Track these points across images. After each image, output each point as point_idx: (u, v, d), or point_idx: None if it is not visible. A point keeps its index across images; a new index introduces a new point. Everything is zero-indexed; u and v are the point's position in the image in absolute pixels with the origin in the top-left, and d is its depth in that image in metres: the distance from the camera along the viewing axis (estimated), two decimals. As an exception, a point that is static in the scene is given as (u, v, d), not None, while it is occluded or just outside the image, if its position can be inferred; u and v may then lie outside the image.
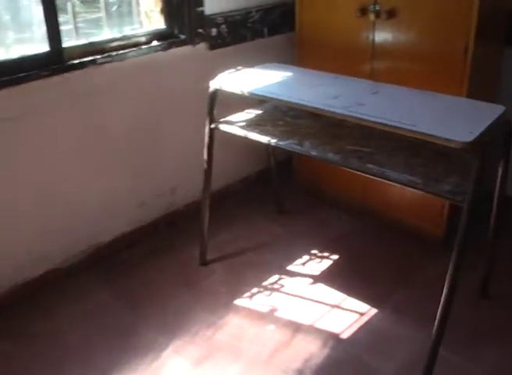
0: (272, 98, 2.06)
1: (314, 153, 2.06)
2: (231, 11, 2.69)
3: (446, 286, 1.79)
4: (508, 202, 2.36)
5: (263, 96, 2.09)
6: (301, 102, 1.98)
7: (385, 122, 1.76)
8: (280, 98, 2.03)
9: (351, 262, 2.58)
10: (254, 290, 2.40)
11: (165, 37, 2.49)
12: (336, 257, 2.62)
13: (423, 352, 1.92)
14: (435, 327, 1.83)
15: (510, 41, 2.55)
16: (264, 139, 2.17)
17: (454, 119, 1.79)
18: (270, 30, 2.90)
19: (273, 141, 2.14)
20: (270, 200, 2.97)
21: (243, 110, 2.42)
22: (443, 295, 1.79)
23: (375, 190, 2.70)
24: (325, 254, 2.65)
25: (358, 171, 1.96)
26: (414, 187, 1.84)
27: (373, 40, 2.48)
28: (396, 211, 2.68)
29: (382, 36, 2.44)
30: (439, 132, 1.69)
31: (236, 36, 2.73)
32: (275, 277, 2.49)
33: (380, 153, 2.03)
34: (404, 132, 1.74)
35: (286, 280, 2.47)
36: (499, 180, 1.98)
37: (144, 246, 2.67)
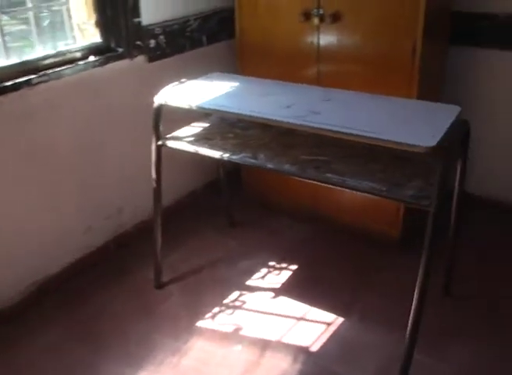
0: (223, 111, 1.97)
1: (270, 166, 1.99)
2: (168, 20, 2.58)
3: (416, 291, 1.76)
4: (467, 199, 2.36)
5: (213, 110, 1.99)
6: (254, 114, 1.90)
7: (346, 131, 1.71)
8: (231, 110, 1.94)
9: (310, 271, 2.53)
10: (216, 310, 2.30)
11: (102, 52, 2.35)
12: (294, 267, 2.56)
13: (394, 357, 1.90)
14: (407, 333, 1.80)
15: (454, 40, 2.56)
16: (216, 154, 2.08)
17: (413, 123, 1.76)
18: (209, 38, 2.81)
19: (226, 156, 2.06)
20: (221, 213, 2.88)
21: (188, 124, 2.32)
22: (414, 301, 1.76)
23: (326, 195, 2.67)
24: (283, 265, 2.58)
25: (317, 181, 1.91)
26: (378, 195, 1.80)
27: (318, 44, 2.43)
28: (350, 214, 2.65)
29: (328, 40, 2.40)
30: (402, 138, 1.66)
31: (175, 46, 2.63)
32: (235, 294, 2.40)
33: (337, 161, 1.99)
34: (367, 140, 1.70)
35: (247, 296, 2.39)
36: (458, 178, 1.98)
37: (96, 272, 2.52)
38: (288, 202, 2.86)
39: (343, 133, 1.74)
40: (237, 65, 2.73)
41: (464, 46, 2.60)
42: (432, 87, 2.46)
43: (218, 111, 1.99)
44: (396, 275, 2.46)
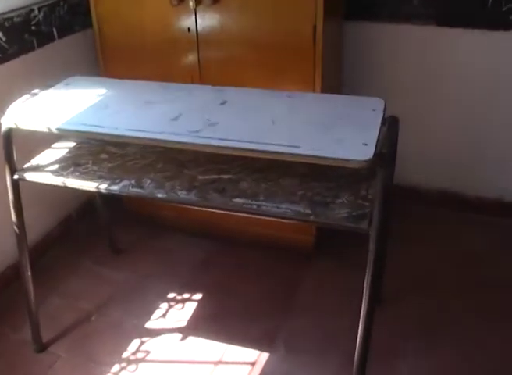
0: (94, 133, 1.49)
1: (161, 195, 1.56)
2: (6, 12, 2.00)
3: (362, 318, 1.47)
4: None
5: (81, 132, 1.50)
6: (133, 134, 1.45)
7: (259, 148, 1.33)
8: (103, 131, 1.47)
9: (219, 299, 2.15)
10: (115, 368, 1.87)
11: None
12: (198, 296, 2.18)
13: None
14: (356, 360, 1.51)
15: (348, 16, 2.25)
16: (89, 186, 1.61)
17: (336, 127, 1.41)
18: (60, 30, 2.26)
19: (103, 187, 1.59)
20: (101, 239, 2.41)
21: (49, 145, 1.80)
22: (360, 328, 1.47)
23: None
24: (185, 295, 2.18)
25: (224, 210, 1.52)
26: (304, 220, 1.46)
27: (197, 32, 2.00)
28: (256, 224, 2.28)
29: (208, 26, 1.98)
30: (328, 150, 1.30)
31: (20, 44, 2.06)
32: (135, 343, 1.97)
33: (244, 179, 1.61)
34: (287, 158, 1.32)
35: (151, 343, 1.96)
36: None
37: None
38: (181, 216, 2.43)
39: (254, 151, 1.34)
40: (99, 63, 2.21)
41: (359, 21, 2.29)
42: (335, 70, 2.18)
43: (84, 132, 1.50)
44: (317, 288, 2.17)
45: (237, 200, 1.50)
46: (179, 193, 1.55)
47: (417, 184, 2.59)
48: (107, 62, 2.21)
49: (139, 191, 1.57)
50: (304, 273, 2.26)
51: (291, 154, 1.32)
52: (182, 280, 2.24)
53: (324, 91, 1.89)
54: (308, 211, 1.44)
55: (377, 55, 2.38)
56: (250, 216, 1.52)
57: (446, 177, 2.55)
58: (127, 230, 2.53)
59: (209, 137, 1.39)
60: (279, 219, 1.49)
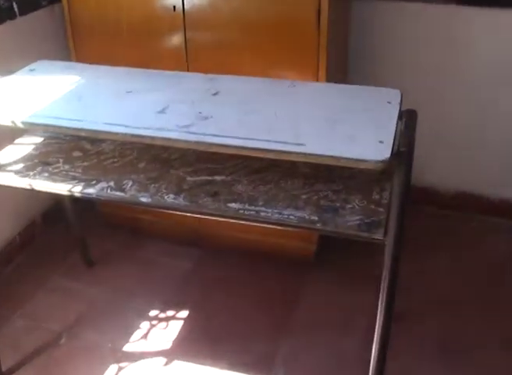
0: (67, 128, 1.47)
1: (145, 200, 1.55)
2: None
3: (376, 344, 1.47)
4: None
5: (52, 126, 1.49)
6: (114, 130, 1.43)
7: (261, 146, 1.32)
8: (79, 126, 1.46)
9: (209, 317, 2.16)
10: (89, 399, 1.84)
11: None
12: (184, 313, 2.18)
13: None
14: None
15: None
16: (62, 189, 1.60)
17: (346, 122, 1.41)
18: (22, 5, 2.24)
19: (78, 191, 1.58)
20: (71, 249, 2.41)
21: (11, 140, 1.78)
22: (374, 357, 1.48)
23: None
24: (169, 312, 2.18)
25: (219, 217, 1.52)
26: (311, 228, 1.47)
27: (183, 10, 1.99)
28: (251, 232, 2.29)
29: (196, 4, 1.97)
30: (340, 149, 1.29)
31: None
32: (112, 369, 1.98)
33: (240, 181, 1.60)
34: (293, 157, 1.31)
35: (129, 369, 1.97)
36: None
37: None
38: (165, 221, 2.43)
39: (254, 149, 1.33)
40: (70, 45, 2.20)
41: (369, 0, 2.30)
42: (341, 57, 2.19)
43: (58, 128, 1.48)
44: (319, 304, 2.19)
45: (232, 205, 1.50)
46: (165, 197, 1.54)
47: (430, 185, 2.61)
48: (78, 43, 2.20)
49: (119, 194, 1.56)
50: (304, 285, 2.27)
51: (296, 153, 1.31)
52: (165, 296, 2.25)
53: (329, 80, 1.90)
54: (314, 218, 1.44)
55: (389, 40, 2.39)
56: (247, 223, 1.51)
57: (464, 176, 2.56)
58: (102, 238, 2.53)
59: (202, 133, 1.38)
60: (281, 227, 1.48)
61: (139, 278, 2.33)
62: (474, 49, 2.30)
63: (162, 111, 1.50)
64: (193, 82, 1.67)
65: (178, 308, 2.19)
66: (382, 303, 1.43)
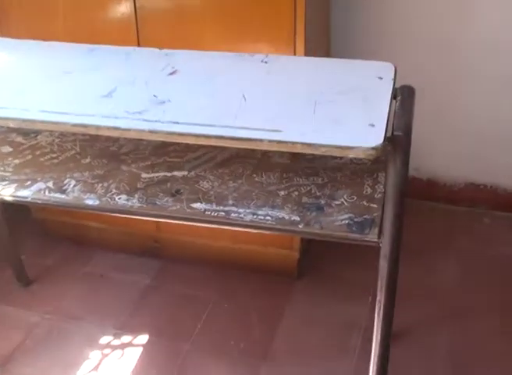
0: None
1: (92, 202, 1.58)
2: None
3: (373, 364, 1.54)
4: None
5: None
6: (51, 118, 1.44)
7: (227, 134, 1.34)
8: (6, 115, 1.47)
9: (173, 342, 2.18)
10: None
11: None
12: (144, 339, 2.20)
13: None
14: None
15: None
16: (-11, 192, 1.60)
17: (331, 104, 1.42)
18: None
19: (8, 194, 1.61)
20: (2, 265, 2.43)
21: None
22: None
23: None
24: (126, 338, 2.21)
25: (180, 220, 1.55)
26: (293, 232, 1.50)
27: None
28: (221, 238, 2.34)
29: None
30: (323, 135, 1.32)
31: None
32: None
33: (205, 176, 1.64)
34: (267, 146, 1.33)
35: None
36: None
37: None
38: (115, 228, 2.47)
39: (220, 138, 1.35)
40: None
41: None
42: (322, 26, 2.23)
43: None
44: (304, 323, 2.23)
45: (197, 205, 1.53)
46: (116, 198, 1.56)
47: (433, 175, 2.66)
48: (1, 14, 2.20)
49: (60, 197, 1.58)
50: (287, 301, 2.31)
51: (270, 141, 1.32)
52: (119, 319, 2.27)
53: (308, 53, 1.92)
54: (296, 218, 1.47)
55: (378, 7, 2.43)
56: (214, 226, 1.54)
57: (473, 165, 2.61)
58: (40, 251, 2.56)
59: (157, 121, 1.40)
60: (256, 231, 1.51)
61: (86, 298, 2.36)
62: (479, 15, 2.33)
63: (109, 94, 1.51)
64: (146, 59, 1.69)
65: (135, 332, 2.21)
66: (378, 317, 1.46)
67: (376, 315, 1.46)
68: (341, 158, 1.65)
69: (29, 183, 1.62)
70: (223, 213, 1.50)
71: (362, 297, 2.15)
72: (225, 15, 1.98)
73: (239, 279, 2.38)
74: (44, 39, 1.79)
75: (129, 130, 1.39)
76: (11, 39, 1.84)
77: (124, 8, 2.06)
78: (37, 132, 1.78)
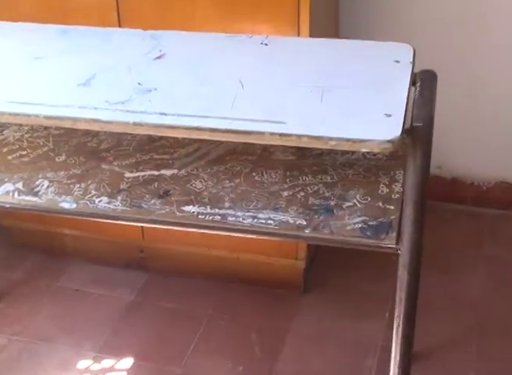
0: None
1: (68, 206, 1.62)
2: None
3: None
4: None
5: None
6: (20, 110, 1.46)
7: (222, 126, 1.36)
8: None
9: (160, 366, 2.19)
10: None
11: None
12: (128, 363, 2.21)
13: None
14: None
15: None
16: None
17: (341, 92, 1.45)
18: None
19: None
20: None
21: None
22: None
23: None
24: (106, 362, 2.21)
25: (170, 225, 1.59)
26: (298, 237, 1.53)
27: None
28: (217, 243, 2.34)
29: None
30: (333, 127, 1.33)
31: None
32: None
33: (198, 175, 1.67)
34: (268, 139, 1.35)
35: None
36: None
37: None
38: (95, 236, 2.49)
39: (214, 130, 1.37)
40: None
41: None
42: (328, 4, 2.26)
43: None
44: (312, 341, 2.25)
45: (189, 208, 1.55)
46: (96, 201, 1.59)
47: (459, 174, 2.67)
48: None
49: (31, 199, 1.61)
50: (291, 317, 2.32)
51: (272, 134, 1.34)
52: (99, 340, 2.29)
53: (314, 34, 1.94)
54: (301, 222, 1.50)
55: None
56: (209, 232, 1.56)
57: (506, 162, 2.62)
58: (7, 263, 2.57)
59: (142, 111, 1.42)
60: (257, 237, 1.52)
61: (60, 317, 2.37)
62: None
63: (87, 82, 1.53)
64: (129, 41, 1.72)
65: (117, 355, 2.22)
66: (397, 335, 1.47)
67: (394, 332, 1.48)
68: (353, 153, 1.66)
69: (-3, 185, 1.63)
70: (219, 217, 1.52)
71: (378, 312, 2.16)
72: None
73: (237, 292, 2.40)
74: (13, 20, 1.82)
75: (110, 122, 1.41)
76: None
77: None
78: (4, 126, 1.80)
